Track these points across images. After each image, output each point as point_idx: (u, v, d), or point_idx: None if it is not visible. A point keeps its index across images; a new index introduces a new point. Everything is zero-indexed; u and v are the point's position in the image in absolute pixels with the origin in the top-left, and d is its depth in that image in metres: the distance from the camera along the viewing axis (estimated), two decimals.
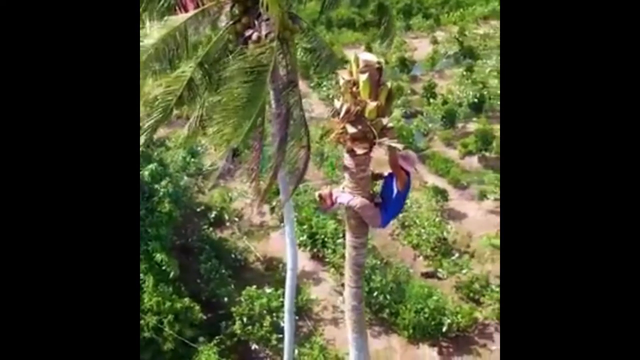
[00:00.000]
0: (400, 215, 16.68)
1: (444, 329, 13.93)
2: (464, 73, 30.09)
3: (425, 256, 17.05)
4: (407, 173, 6.15)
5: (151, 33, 8.02)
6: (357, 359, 7.25)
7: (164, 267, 13.51)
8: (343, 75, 5.63)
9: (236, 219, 19.40)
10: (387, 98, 5.67)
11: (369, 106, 5.52)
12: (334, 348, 13.74)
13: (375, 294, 14.40)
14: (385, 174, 6.45)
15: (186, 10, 8.71)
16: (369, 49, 31.39)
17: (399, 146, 5.80)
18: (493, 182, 19.83)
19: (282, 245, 16.78)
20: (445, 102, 26.57)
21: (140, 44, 7.64)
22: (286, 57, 8.49)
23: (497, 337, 14.22)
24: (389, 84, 5.63)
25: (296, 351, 12.94)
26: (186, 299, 13.37)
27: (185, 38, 8.27)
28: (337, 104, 5.67)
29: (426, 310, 13.97)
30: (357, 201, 6.09)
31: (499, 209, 19.22)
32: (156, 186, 14.58)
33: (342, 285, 15.23)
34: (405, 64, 32.16)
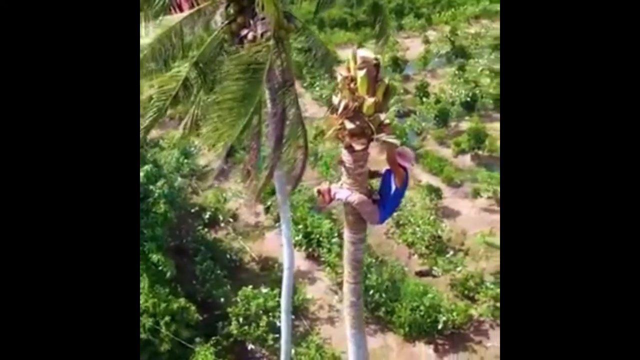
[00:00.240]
0: (395, 213, 16.73)
1: (440, 327, 13.98)
2: (456, 72, 30.31)
3: (420, 254, 17.11)
4: (405, 169, 6.19)
5: (147, 33, 8.02)
6: (356, 355, 7.27)
7: (160, 268, 13.49)
8: (341, 72, 5.66)
9: (230, 220, 19.39)
10: (385, 94, 5.72)
11: (367, 102, 5.56)
12: (331, 347, 13.74)
13: (371, 292, 14.44)
14: (382, 171, 6.48)
15: (181, 10, 8.72)
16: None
17: (397, 142, 5.84)
18: (486, 180, 19.98)
19: (277, 245, 16.82)
20: (438, 101, 26.73)
21: None
22: (281, 56, 8.52)
23: (492, 334, 14.31)
24: (386, 80, 5.66)
25: (293, 351, 12.95)
26: (182, 300, 13.34)
27: (180, 38, 8.29)
28: (335, 100, 5.70)
29: (422, 308, 14.02)
30: (355, 197, 6.12)
31: (492, 207, 19.38)
32: (151, 187, 14.57)
33: (338, 284, 15.32)
34: (397, 64, 32.31)
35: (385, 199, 6.31)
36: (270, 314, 13.87)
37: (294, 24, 8.83)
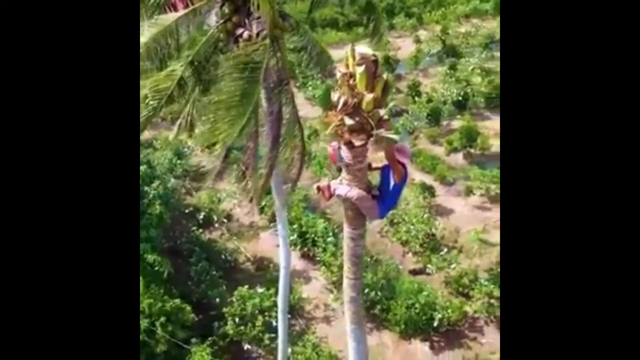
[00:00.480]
0: (389, 212, 16.76)
1: (435, 324, 14.03)
2: (448, 71, 30.47)
3: (414, 252, 17.18)
4: (404, 165, 6.24)
5: (142, 32, 8.00)
6: (356, 351, 7.31)
7: (156, 268, 13.44)
8: (340, 68, 5.70)
9: (225, 220, 19.35)
10: (384, 90, 5.76)
11: (366, 98, 5.60)
12: (327, 346, 13.76)
13: (366, 290, 14.45)
14: (380, 165, 6.52)
15: (176, 10, 8.71)
16: None
17: (396, 137, 5.89)
18: (478, 178, 20.11)
19: (272, 245, 16.81)
20: (429, 100, 26.87)
21: None
22: (277, 55, 8.53)
23: (487, 330, 14.40)
24: (384, 76, 5.71)
25: (289, 350, 12.96)
26: (177, 300, 13.30)
27: (176, 37, 8.27)
28: (334, 96, 5.73)
29: (417, 305, 14.06)
30: (355, 193, 6.16)
31: (484, 204, 19.51)
32: (146, 188, 14.52)
33: (333, 283, 15.34)
34: (389, 63, 32.37)
35: (384, 195, 6.36)
36: (266, 313, 13.84)
37: (289, 23, 8.84)
